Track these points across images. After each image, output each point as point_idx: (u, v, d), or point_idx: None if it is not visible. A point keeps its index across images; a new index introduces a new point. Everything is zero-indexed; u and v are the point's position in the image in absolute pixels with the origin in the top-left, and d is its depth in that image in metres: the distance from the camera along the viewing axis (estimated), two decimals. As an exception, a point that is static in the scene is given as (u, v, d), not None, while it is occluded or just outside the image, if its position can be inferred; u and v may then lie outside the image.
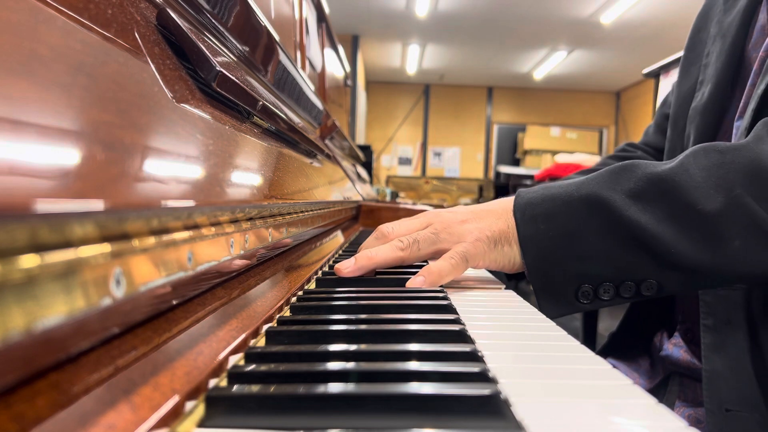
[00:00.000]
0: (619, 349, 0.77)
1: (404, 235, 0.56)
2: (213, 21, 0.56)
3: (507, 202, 0.56)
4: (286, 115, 0.64)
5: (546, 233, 0.51)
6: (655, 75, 2.21)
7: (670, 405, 0.65)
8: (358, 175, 2.13)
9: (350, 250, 0.87)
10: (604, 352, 0.78)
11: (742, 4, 0.65)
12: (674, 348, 0.68)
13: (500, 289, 0.57)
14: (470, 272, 0.70)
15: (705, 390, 0.57)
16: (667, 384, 0.69)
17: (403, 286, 0.53)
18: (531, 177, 4.59)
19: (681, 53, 0.75)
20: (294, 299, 0.48)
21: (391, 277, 0.57)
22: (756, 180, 0.47)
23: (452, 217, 0.56)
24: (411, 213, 1.63)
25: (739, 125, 0.59)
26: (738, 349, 0.55)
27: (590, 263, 0.50)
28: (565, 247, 0.51)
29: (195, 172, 0.33)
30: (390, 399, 0.25)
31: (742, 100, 0.60)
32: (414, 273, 0.54)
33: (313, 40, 1.54)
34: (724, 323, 0.57)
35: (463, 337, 0.37)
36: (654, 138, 0.88)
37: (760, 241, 0.46)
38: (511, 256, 0.54)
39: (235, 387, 0.27)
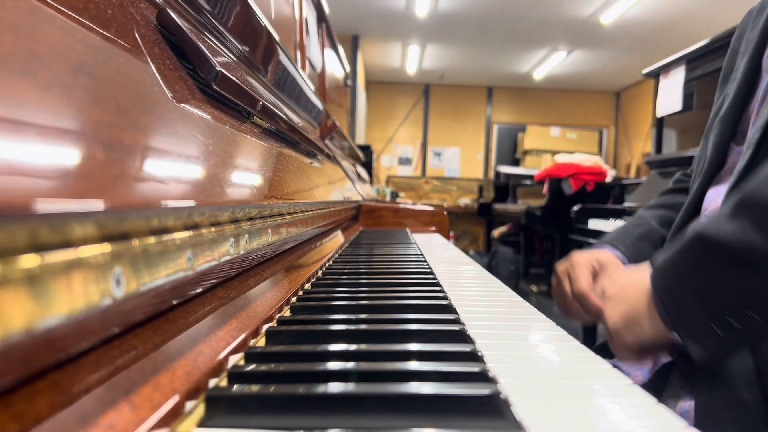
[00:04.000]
0: None
1: None
2: (213, 21, 0.56)
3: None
4: (286, 115, 0.64)
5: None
6: (655, 75, 2.20)
7: (672, 397, 0.67)
8: (358, 175, 2.13)
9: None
10: (603, 349, 0.79)
11: (764, 17, 0.70)
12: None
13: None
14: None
15: (699, 373, 0.59)
16: (667, 374, 0.69)
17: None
18: (531, 177, 4.59)
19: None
20: (294, 299, 0.48)
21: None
22: None
23: None
24: (411, 212, 1.63)
25: (750, 137, 0.63)
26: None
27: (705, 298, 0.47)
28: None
29: (195, 172, 0.33)
30: (390, 399, 0.25)
31: (754, 112, 0.62)
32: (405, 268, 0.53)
33: (313, 40, 1.54)
34: None
35: (462, 336, 0.37)
36: None
37: None
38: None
39: (235, 387, 0.27)
